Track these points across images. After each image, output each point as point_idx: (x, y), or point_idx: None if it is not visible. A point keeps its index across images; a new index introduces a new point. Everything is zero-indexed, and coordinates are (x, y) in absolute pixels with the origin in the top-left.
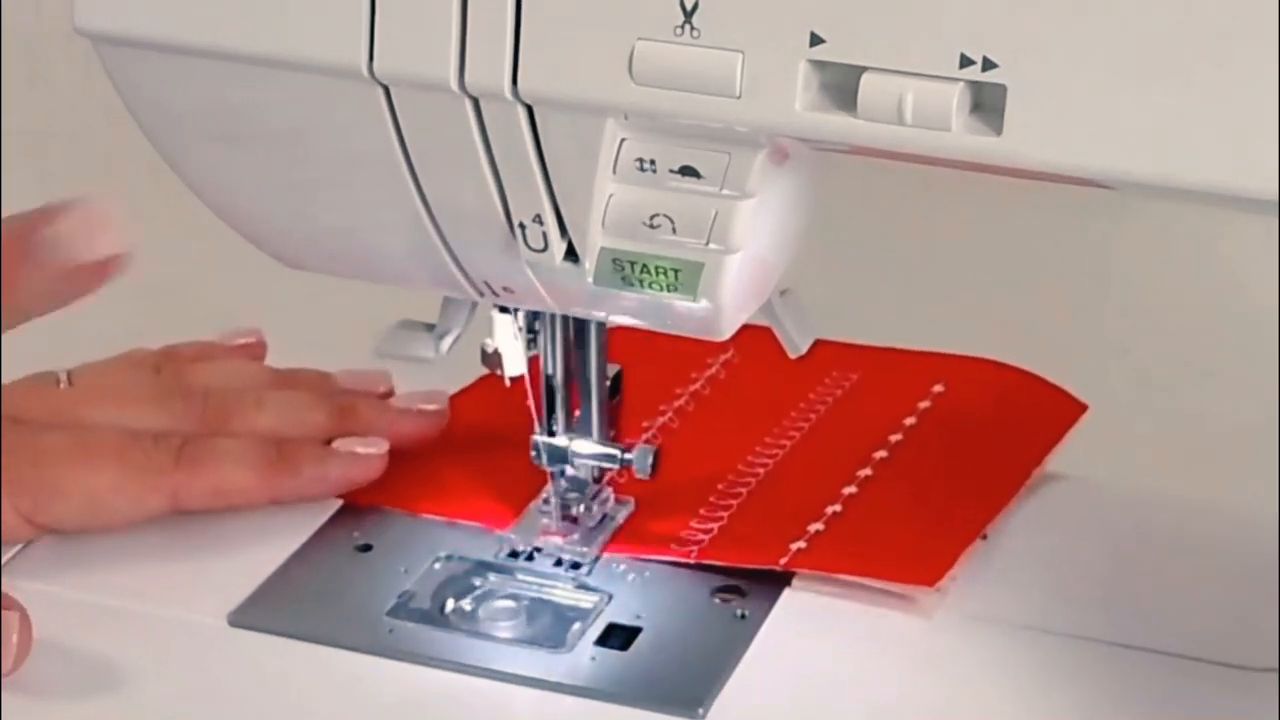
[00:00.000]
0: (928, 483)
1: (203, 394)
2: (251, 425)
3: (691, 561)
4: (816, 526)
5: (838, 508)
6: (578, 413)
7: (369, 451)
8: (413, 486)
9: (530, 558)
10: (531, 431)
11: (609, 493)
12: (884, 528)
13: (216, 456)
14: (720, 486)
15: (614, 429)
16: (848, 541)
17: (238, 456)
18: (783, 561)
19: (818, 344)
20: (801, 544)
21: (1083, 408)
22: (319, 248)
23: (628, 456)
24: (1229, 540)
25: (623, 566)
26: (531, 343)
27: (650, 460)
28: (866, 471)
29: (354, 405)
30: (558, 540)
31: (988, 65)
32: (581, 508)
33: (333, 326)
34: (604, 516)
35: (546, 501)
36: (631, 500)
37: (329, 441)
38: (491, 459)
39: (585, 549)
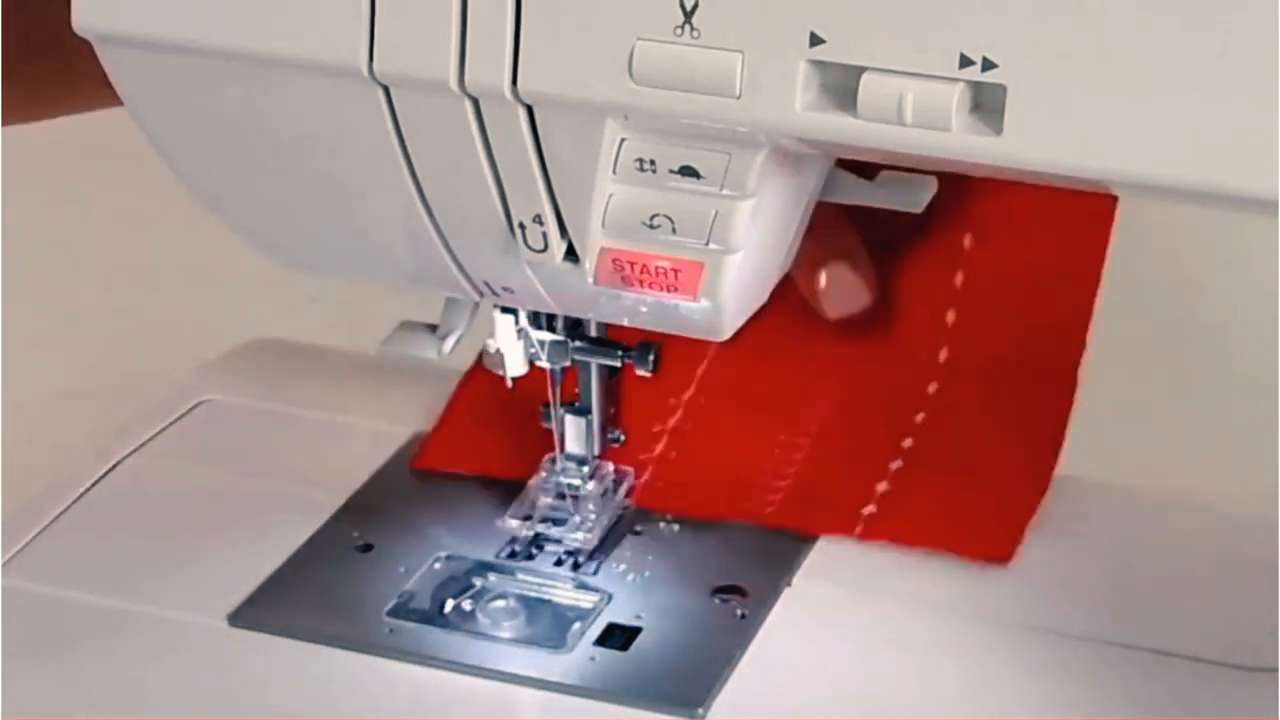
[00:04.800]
0: (978, 423)
1: None
2: None
3: (765, 525)
4: (883, 487)
5: (899, 464)
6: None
7: None
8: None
9: (530, 557)
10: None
11: (609, 468)
12: (949, 486)
13: None
14: (776, 453)
15: (614, 405)
16: (918, 506)
17: None
18: (858, 530)
19: (808, 326)
20: (872, 508)
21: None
22: (320, 248)
23: (630, 351)
24: (1229, 540)
25: (623, 566)
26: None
27: (651, 356)
28: (920, 417)
29: None
30: (562, 533)
31: (988, 65)
32: (580, 483)
33: (335, 327)
34: (604, 492)
35: (546, 479)
36: (631, 470)
37: None
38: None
39: (587, 535)
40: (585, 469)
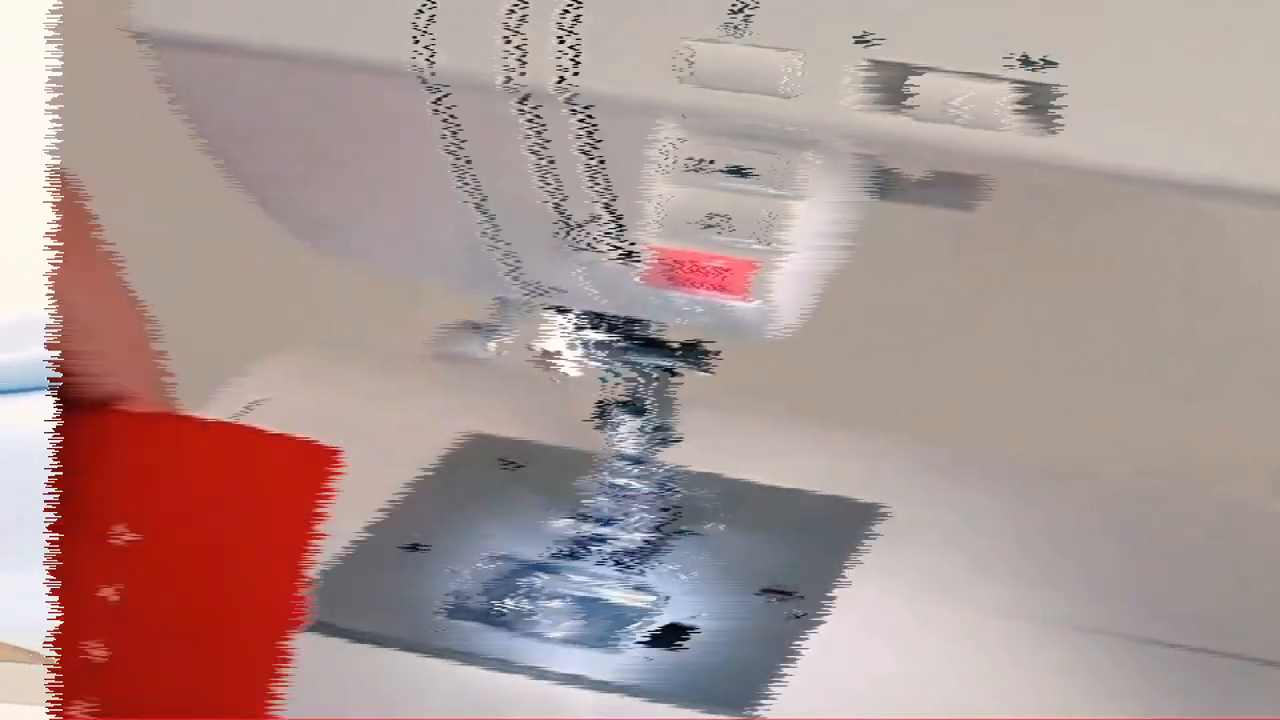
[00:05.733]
0: None
1: None
2: None
3: None
4: None
5: None
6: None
7: None
8: None
9: (580, 557)
10: None
11: (660, 468)
12: None
13: None
14: None
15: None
16: None
17: None
18: None
19: None
20: None
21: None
22: (372, 247)
23: (683, 351)
24: (1241, 533)
25: (674, 567)
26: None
27: (704, 355)
28: None
29: None
30: (613, 533)
31: (1045, 64)
32: (632, 483)
33: (386, 325)
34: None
35: (597, 478)
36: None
37: None
38: None
39: (638, 535)
40: (636, 469)
